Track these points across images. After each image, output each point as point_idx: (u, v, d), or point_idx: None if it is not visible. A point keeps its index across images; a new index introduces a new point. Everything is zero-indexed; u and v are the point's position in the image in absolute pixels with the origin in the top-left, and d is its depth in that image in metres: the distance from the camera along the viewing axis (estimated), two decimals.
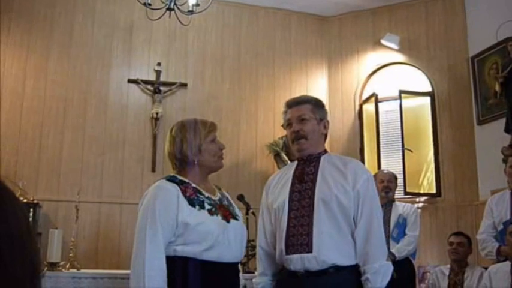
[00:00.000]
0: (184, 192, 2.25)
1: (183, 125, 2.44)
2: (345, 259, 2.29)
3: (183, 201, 2.22)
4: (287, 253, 2.34)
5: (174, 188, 2.25)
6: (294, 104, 2.56)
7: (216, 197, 2.37)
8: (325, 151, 2.54)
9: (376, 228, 2.33)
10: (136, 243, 2.17)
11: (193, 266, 2.16)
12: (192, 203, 2.24)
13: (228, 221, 2.29)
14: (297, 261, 2.31)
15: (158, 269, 2.10)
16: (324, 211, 2.32)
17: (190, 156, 2.35)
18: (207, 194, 2.33)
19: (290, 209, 2.39)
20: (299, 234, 2.33)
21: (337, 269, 2.27)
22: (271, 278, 2.53)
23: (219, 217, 2.27)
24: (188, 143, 2.36)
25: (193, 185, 2.31)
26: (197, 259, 2.17)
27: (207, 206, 2.26)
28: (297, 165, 2.52)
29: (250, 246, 4.19)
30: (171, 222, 2.17)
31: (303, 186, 2.42)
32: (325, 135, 2.58)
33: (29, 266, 0.76)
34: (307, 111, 2.50)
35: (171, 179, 2.30)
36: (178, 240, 2.17)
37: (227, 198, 2.46)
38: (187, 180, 2.32)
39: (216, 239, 2.20)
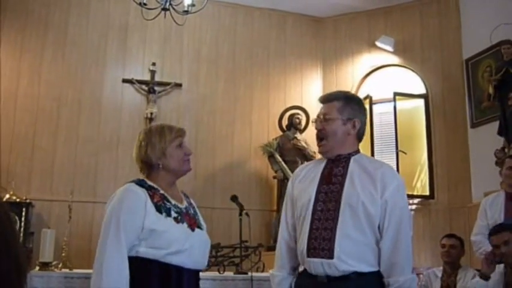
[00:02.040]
0: (152, 197, 2.26)
1: (150, 130, 2.47)
2: (367, 266, 2.23)
3: (151, 207, 2.23)
4: (308, 256, 2.28)
5: (142, 193, 2.26)
6: (323, 100, 2.48)
7: (183, 205, 2.38)
8: (357, 151, 2.42)
9: (404, 239, 2.23)
10: (99, 244, 2.18)
11: (156, 268, 2.19)
12: (159, 209, 2.25)
13: (193, 230, 2.31)
14: (318, 266, 2.25)
15: (116, 270, 2.11)
16: (350, 216, 2.24)
17: (154, 160, 2.35)
18: (173, 202, 2.34)
19: (315, 210, 2.32)
20: (321, 238, 2.26)
21: (359, 275, 2.21)
22: (290, 272, 2.47)
23: (185, 225, 2.28)
24: (152, 147, 2.37)
25: (161, 192, 2.32)
26: (159, 261, 2.19)
27: (173, 214, 2.27)
28: (326, 164, 2.42)
29: (244, 247, 4.18)
30: (135, 227, 2.18)
31: (330, 188, 2.33)
32: (359, 135, 2.43)
33: (14, 263, 0.75)
34: (332, 110, 2.39)
35: (140, 183, 2.32)
36: (142, 243, 2.19)
37: (193, 208, 2.46)
38: (155, 186, 2.33)
39: (181, 247, 2.22)
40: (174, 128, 2.49)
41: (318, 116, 2.44)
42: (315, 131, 2.47)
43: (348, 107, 2.40)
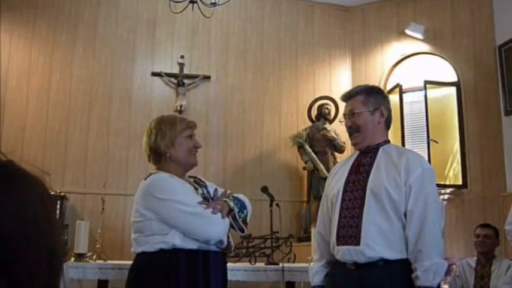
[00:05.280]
0: None
1: (162, 118, 2.52)
2: (394, 253, 2.23)
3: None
4: (337, 244, 2.33)
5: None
6: (345, 98, 2.54)
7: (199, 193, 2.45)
8: (386, 142, 2.47)
9: (430, 225, 2.21)
10: None
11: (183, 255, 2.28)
12: None
13: None
14: (345, 253, 2.29)
15: None
16: (375, 203, 2.27)
17: (162, 148, 2.39)
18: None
19: (343, 200, 2.37)
20: (349, 226, 2.31)
21: (386, 262, 2.23)
22: (326, 266, 2.50)
23: None
24: (162, 135, 2.41)
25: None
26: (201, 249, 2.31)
27: None
28: (357, 157, 2.48)
29: (275, 238, 4.19)
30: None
31: (358, 177, 2.38)
32: (387, 123, 2.48)
33: (46, 252, 0.77)
34: (358, 104, 2.44)
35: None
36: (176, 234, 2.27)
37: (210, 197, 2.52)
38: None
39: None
40: (185, 119, 2.54)
41: (345, 114, 2.51)
42: (344, 122, 2.51)
43: (371, 97, 2.46)
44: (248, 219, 2.47)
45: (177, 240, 2.24)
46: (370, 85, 2.67)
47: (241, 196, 2.51)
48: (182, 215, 2.24)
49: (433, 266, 2.17)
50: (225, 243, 2.35)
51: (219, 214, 2.30)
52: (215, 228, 2.28)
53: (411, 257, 2.22)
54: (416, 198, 2.24)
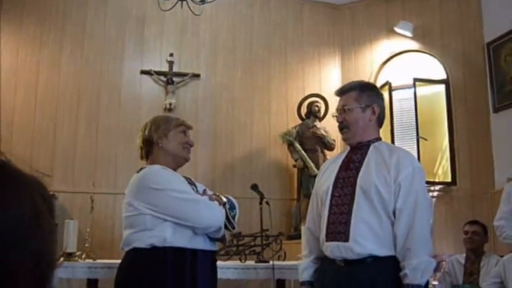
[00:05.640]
0: None
1: (158, 115, 2.59)
2: (383, 249, 2.24)
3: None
4: (327, 240, 2.34)
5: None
6: (338, 93, 2.55)
7: None
8: (378, 139, 2.48)
9: (419, 223, 2.22)
10: None
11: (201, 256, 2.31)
12: None
13: None
14: (334, 249, 2.30)
15: None
16: (364, 200, 2.27)
17: (155, 138, 2.42)
18: None
19: (332, 196, 2.38)
20: (338, 222, 2.31)
21: (375, 258, 2.23)
22: (315, 261, 2.51)
23: None
24: (156, 127, 2.45)
25: None
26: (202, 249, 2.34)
27: None
28: (348, 153, 2.48)
29: (265, 236, 4.18)
30: None
31: (348, 174, 2.39)
32: (379, 120, 2.49)
33: (32, 259, 0.75)
34: (350, 100, 2.45)
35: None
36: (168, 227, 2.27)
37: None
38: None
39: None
40: (181, 119, 2.57)
41: (337, 109, 2.51)
42: (333, 119, 2.55)
43: (364, 94, 2.46)
44: (236, 220, 2.48)
45: (167, 234, 2.23)
46: (365, 82, 2.67)
47: (231, 197, 2.52)
48: (180, 202, 2.24)
49: (421, 264, 2.18)
50: (223, 231, 2.35)
51: (216, 202, 2.31)
52: (215, 213, 2.29)
53: (399, 255, 2.23)
54: (406, 197, 2.24)
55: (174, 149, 2.43)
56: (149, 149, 2.44)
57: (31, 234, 0.75)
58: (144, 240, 2.24)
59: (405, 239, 2.21)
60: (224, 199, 2.41)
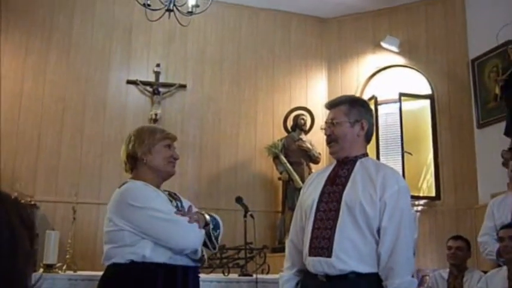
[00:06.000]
0: None
1: (142, 128, 2.52)
2: (366, 266, 2.23)
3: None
4: (309, 254, 2.32)
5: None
6: (329, 106, 2.54)
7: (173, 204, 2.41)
8: (365, 154, 2.47)
9: (403, 243, 2.22)
10: None
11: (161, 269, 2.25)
12: None
13: None
14: (317, 264, 2.28)
15: None
16: (349, 217, 2.26)
17: (139, 154, 2.38)
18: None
19: (317, 210, 2.36)
20: (322, 237, 2.30)
21: (358, 275, 2.22)
22: (297, 274, 2.48)
23: None
24: (140, 142, 2.40)
25: None
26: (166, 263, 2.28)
27: None
28: (334, 167, 2.47)
29: (249, 248, 4.16)
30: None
31: (333, 189, 2.37)
32: (367, 136, 2.48)
33: (4, 283, 0.72)
34: (339, 114, 2.43)
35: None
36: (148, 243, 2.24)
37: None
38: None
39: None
40: (166, 130, 2.52)
41: (326, 122, 2.49)
42: (319, 132, 2.52)
43: (354, 109, 2.45)
44: (219, 240, 2.45)
45: (147, 251, 2.20)
46: (356, 97, 2.69)
47: (216, 216, 2.49)
48: (157, 222, 2.21)
49: (404, 284, 2.19)
50: (199, 254, 2.32)
51: (196, 224, 2.27)
52: (191, 236, 2.25)
53: (382, 274, 2.22)
54: (391, 215, 2.24)
55: (159, 164, 2.40)
56: (133, 165, 2.40)
57: (5, 265, 0.73)
58: (123, 256, 2.21)
59: (389, 257, 2.21)
60: (208, 218, 2.38)
